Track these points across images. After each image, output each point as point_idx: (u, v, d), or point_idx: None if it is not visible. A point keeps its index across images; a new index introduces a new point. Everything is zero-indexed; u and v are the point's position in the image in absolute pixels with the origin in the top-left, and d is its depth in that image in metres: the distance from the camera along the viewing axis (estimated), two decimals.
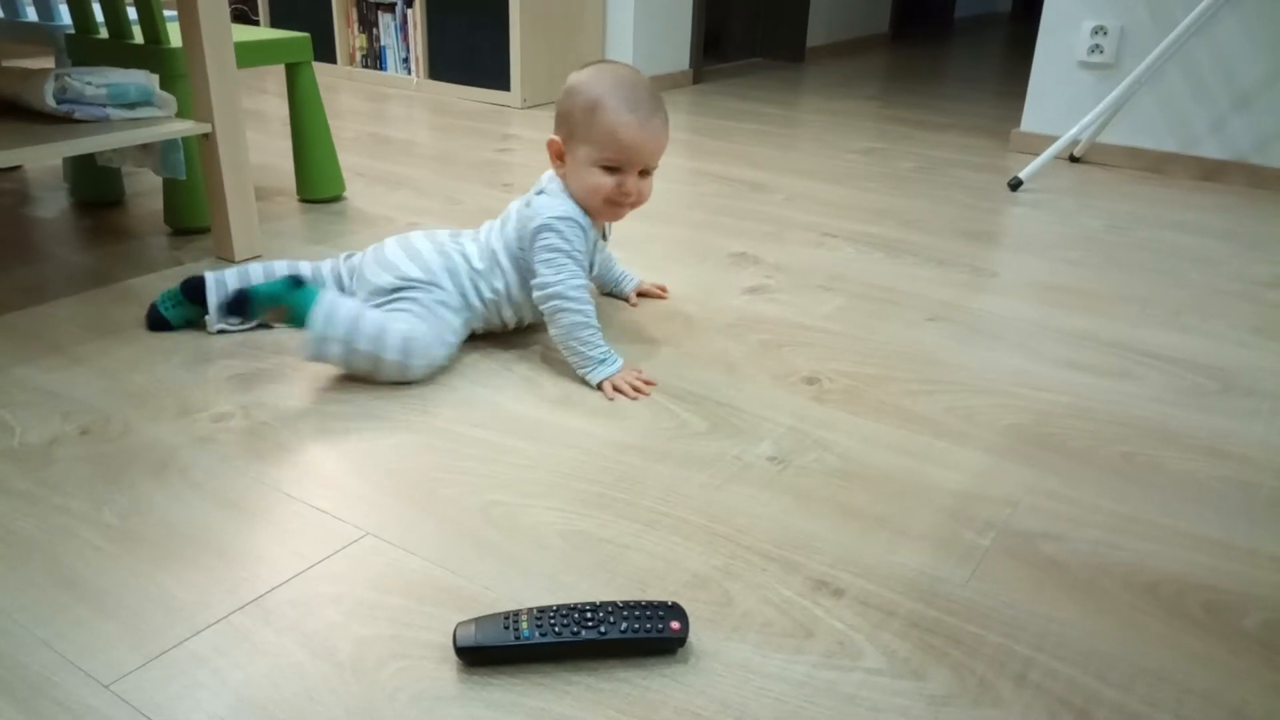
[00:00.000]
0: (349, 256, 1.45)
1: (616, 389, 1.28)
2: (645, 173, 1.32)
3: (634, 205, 1.34)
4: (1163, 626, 0.89)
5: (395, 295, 1.32)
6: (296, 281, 1.29)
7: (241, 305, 1.29)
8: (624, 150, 1.27)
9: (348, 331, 1.22)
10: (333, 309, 1.23)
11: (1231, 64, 2.45)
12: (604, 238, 1.45)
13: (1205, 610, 0.92)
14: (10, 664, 0.80)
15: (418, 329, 1.27)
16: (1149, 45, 2.49)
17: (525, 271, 1.34)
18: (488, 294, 1.35)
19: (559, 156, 1.33)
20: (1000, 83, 4.04)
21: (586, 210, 1.32)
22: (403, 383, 1.27)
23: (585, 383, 1.30)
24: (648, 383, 1.30)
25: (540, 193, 1.34)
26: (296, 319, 1.24)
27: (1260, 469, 1.16)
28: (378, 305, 1.31)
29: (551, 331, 1.32)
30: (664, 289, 1.62)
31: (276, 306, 1.27)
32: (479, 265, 1.35)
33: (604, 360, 1.29)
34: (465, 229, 1.45)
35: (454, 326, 1.33)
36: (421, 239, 1.38)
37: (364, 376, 1.27)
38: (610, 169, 1.28)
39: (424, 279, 1.33)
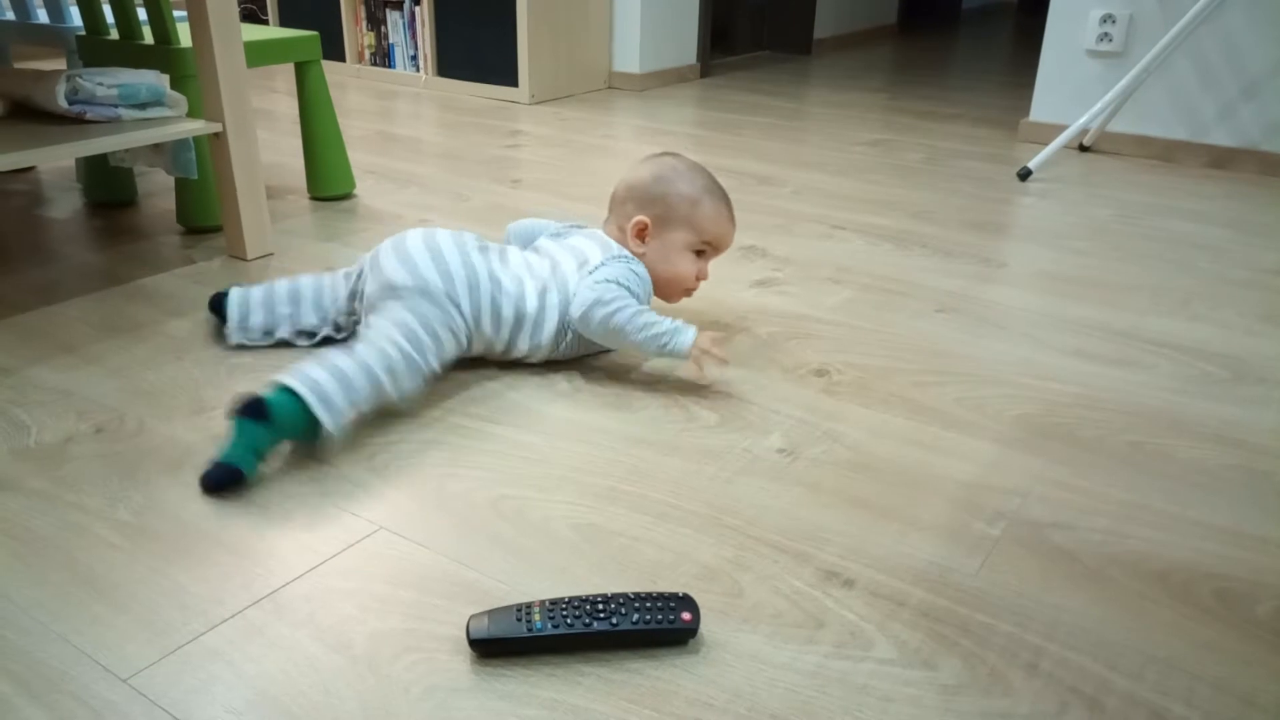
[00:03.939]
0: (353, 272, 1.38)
1: (695, 359, 1.26)
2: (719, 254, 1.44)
3: (694, 289, 1.44)
4: (1173, 615, 0.89)
5: (400, 298, 1.23)
6: (254, 409, 1.06)
7: (233, 478, 1.05)
8: (720, 237, 1.40)
9: (347, 402, 1.11)
10: (321, 394, 1.08)
11: (1240, 51, 2.44)
12: None
13: (1216, 598, 0.92)
14: (28, 659, 0.81)
15: (396, 359, 1.16)
16: (1158, 33, 2.48)
17: (569, 328, 1.31)
18: (506, 319, 1.28)
19: (640, 236, 1.37)
20: (1008, 73, 4.03)
21: (657, 286, 1.39)
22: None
23: (677, 356, 1.26)
24: (722, 358, 1.27)
25: (629, 258, 1.35)
26: (300, 436, 1.11)
27: (1270, 457, 1.16)
28: (382, 302, 1.24)
29: (614, 343, 1.30)
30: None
31: (270, 450, 1.09)
32: (510, 288, 1.29)
33: (678, 328, 1.26)
34: (491, 242, 1.36)
35: (444, 352, 1.23)
36: (449, 241, 1.28)
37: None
38: (700, 254, 1.39)
39: (441, 289, 1.24)
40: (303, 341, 1.37)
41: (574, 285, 1.31)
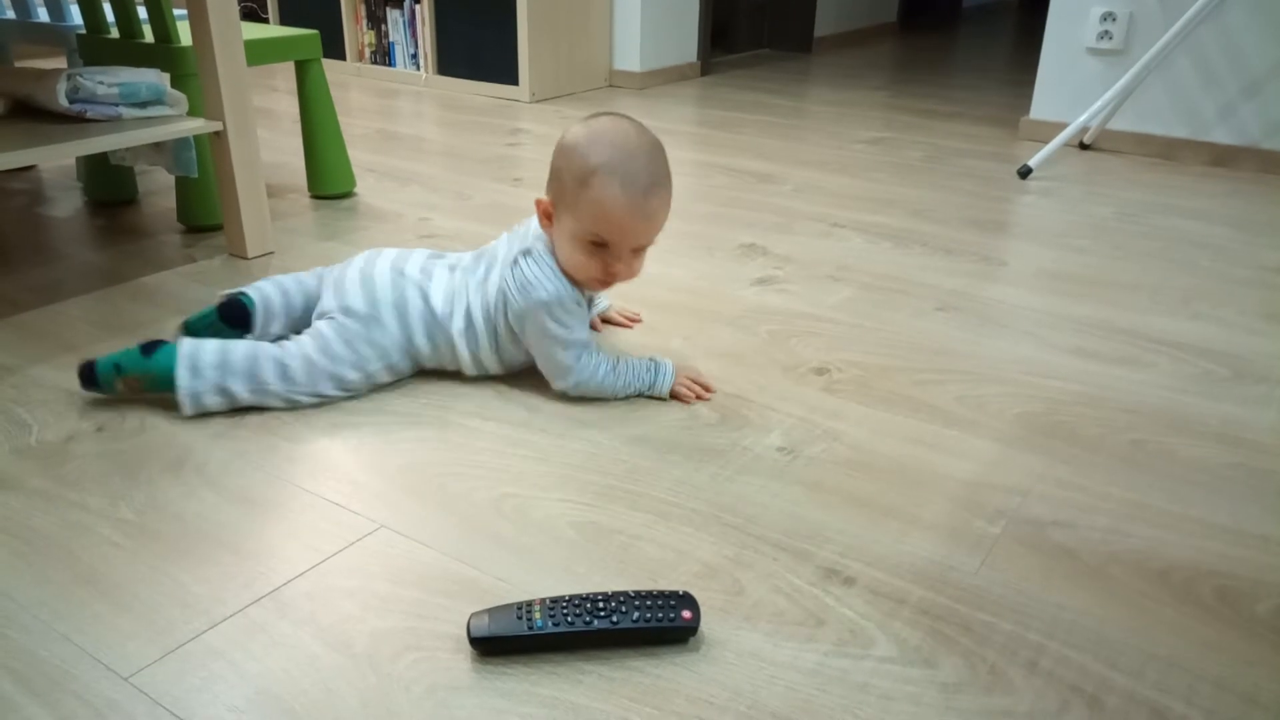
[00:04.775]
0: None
1: (677, 395, 1.26)
2: (638, 250, 1.20)
3: (625, 279, 1.22)
4: (1174, 613, 0.90)
5: (323, 318, 1.24)
6: (149, 346, 1.18)
7: (89, 376, 1.19)
8: (613, 231, 1.14)
9: (218, 377, 1.16)
10: (195, 358, 1.16)
11: (1241, 49, 2.44)
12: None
13: (1217, 597, 0.92)
14: (30, 658, 0.81)
15: (297, 359, 1.19)
16: (1158, 31, 2.48)
17: (504, 335, 1.24)
18: (440, 340, 1.25)
19: (547, 216, 1.20)
20: (1009, 71, 4.03)
21: (573, 280, 1.20)
22: (309, 405, 1.22)
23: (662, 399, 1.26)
24: (706, 388, 1.27)
25: (527, 253, 1.20)
26: (159, 383, 1.17)
27: (1271, 455, 1.16)
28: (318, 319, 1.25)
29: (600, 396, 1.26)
30: (635, 317, 1.50)
31: (126, 376, 1.18)
32: (439, 308, 1.24)
33: (656, 374, 1.25)
34: (455, 252, 1.33)
35: (367, 366, 1.22)
36: (385, 266, 1.25)
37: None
38: (597, 245, 1.16)
39: (363, 311, 1.22)
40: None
41: (494, 284, 1.23)
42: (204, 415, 1.19)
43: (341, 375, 1.21)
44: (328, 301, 1.25)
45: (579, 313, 1.22)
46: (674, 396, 1.26)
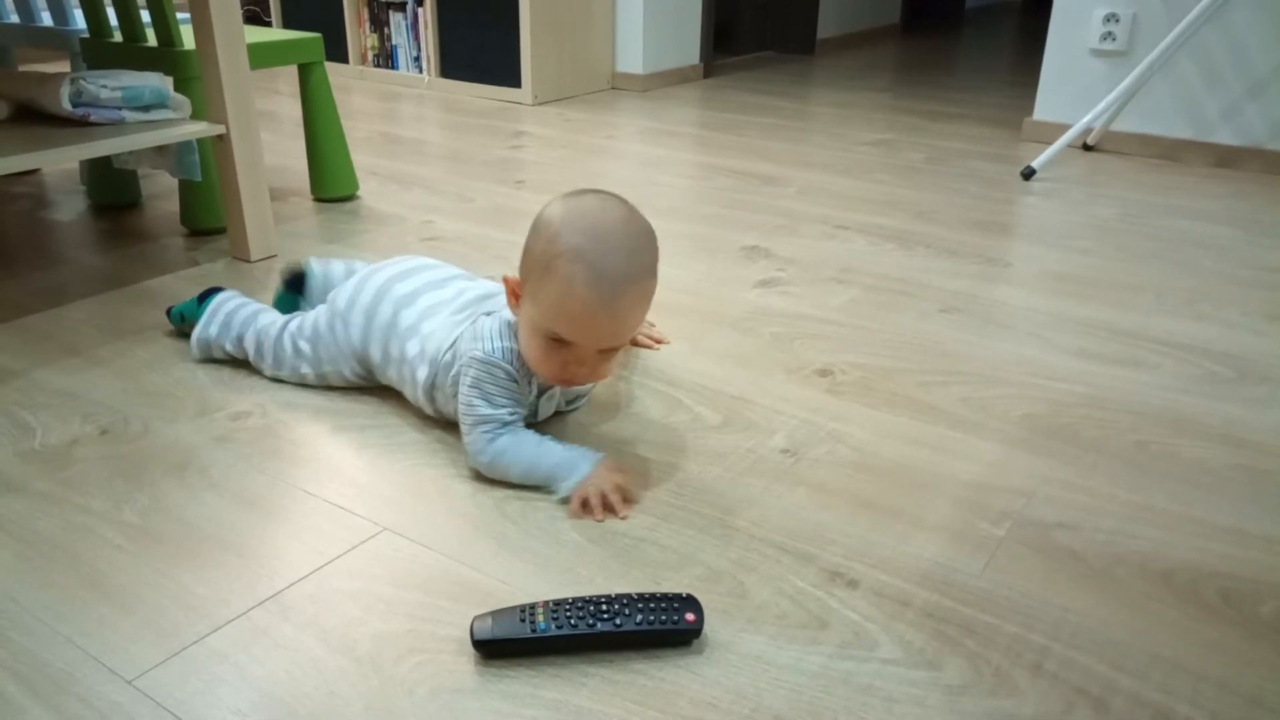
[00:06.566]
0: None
1: (584, 506, 1.01)
2: (605, 351, 1.03)
3: (586, 382, 1.10)
4: (1178, 615, 0.89)
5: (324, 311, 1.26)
6: (205, 294, 1.37)
7: (172, 315, 1.41)
8: (574, 329, 0.98)
9: (220, 333, 1.32)
10: (214, 313, 1.33)
11: (1244, 50, 2.43)
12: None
13: (1221, 598, 0.92)
14: (34, 661, 0.81)
15: (266, 343, 1.28)
16: (1161, 32, 2.47)
17: (444, 386, 1.13)
18: (392, 356, 1.18)
19: (514, 295, 1.05)
20: (1012, 72, 4.02)
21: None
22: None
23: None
24: (626, 499, 1.02)
25: (490, 313, 1.11)
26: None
27: (1275, 457, 1.16)
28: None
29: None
30: (662, 339, 1.42)
31: (187, 321, 1.38)
32: (403, 324, 1.17)
33: (564, 469, 1.03)
34: (479, 282, 1.24)
35: (322, 367, 1.24)
36: (381, 276, 1.21)
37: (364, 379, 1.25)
38: (557, 341, 1.00)
39: (341, 312, 1.21)
40: None
41: (427, 366, 1.13)
42: (205, 415, 1.19)
43: (298, 369, 1.27)
44: (336, 295, 1.27)
45: (512, 391, 1.07)
46: (582, 504, 1.01)
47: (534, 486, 1.06)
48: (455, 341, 1.11)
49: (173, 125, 1.62)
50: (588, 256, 0.95)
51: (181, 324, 1.39)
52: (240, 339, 1.30)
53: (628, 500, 1.02)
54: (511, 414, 1.07)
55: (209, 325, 1.32)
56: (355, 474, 1.09)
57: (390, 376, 1.21)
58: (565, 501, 1.02)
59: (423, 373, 1.14)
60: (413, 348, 1.15)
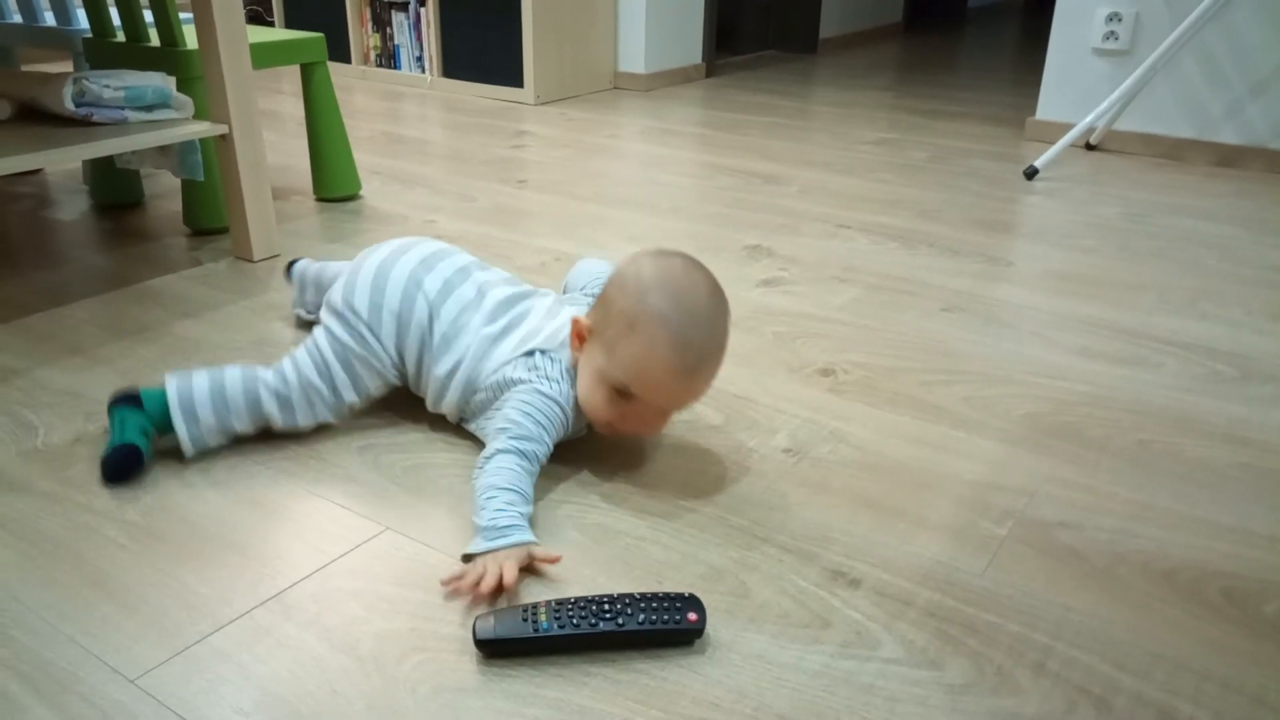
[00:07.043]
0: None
1: (466, 575, 0.89)
2: (665, 412, 1.08)
3: (637, 434, 1.12)
4: (1181, 614, 0.89)
5: (326, 311, 1.16)
6: (123, 399, 1.10)
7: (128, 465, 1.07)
8: (647, 389, 1.01)
9: (219, 419, 1.09)
10: (189, 408, 1.08)
11: (1247, 49, 2.43)
12: None
13: (1224, 597, 0.92)
14: (37, 660, 0.81)
15: (293, 394, 1.11)
16: (1164, 31, 2.47)
17: (475, 404, 1.12)
18: (424, 368, 1.14)
19: (579, 338, 1.06)
20: (1015, 71, 4.02)
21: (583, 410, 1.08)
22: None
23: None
24: (496, 588, 0.87)
25: (545, 352, 1.09)
26: (163, 429, 1.09)
27: (1278, 455, 1.16)
28: (322, 313, 1.18)
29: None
30: None
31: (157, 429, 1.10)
32: (437, 337, 1.13)
33: (492, 533, 0.92)
34: (485, 270, 1.21)
35: (346, 393, 1.13)
36: (403, 274, 1.14)
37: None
38: (622, 394, 1.02)
39: (365, 315, 1.13)
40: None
41: (494, 362, 1.10)
42: None
43: (344, 399, 1.14)
44: (335, 293, 1.16)
45: (558, 430, 1.06)
46: (465, 574, 0.90)
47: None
48: (499, 372, 1.09)
49: (175, 125, 1.62)
50: (674, 323, 0.98)
51: (160, 438, 1.12)
52: (254, 409, 1.10)
53: (499, 589, 0.88)
54: (539, 448, 1.03)
55: (193, 422, 1.08)
56: (357, 474, 1.09)
57: (418, 384, 1.17)
58: (466, 558, 0.92)
59: (453, 396, 1.13)
60: (444, 365, 1.12)
